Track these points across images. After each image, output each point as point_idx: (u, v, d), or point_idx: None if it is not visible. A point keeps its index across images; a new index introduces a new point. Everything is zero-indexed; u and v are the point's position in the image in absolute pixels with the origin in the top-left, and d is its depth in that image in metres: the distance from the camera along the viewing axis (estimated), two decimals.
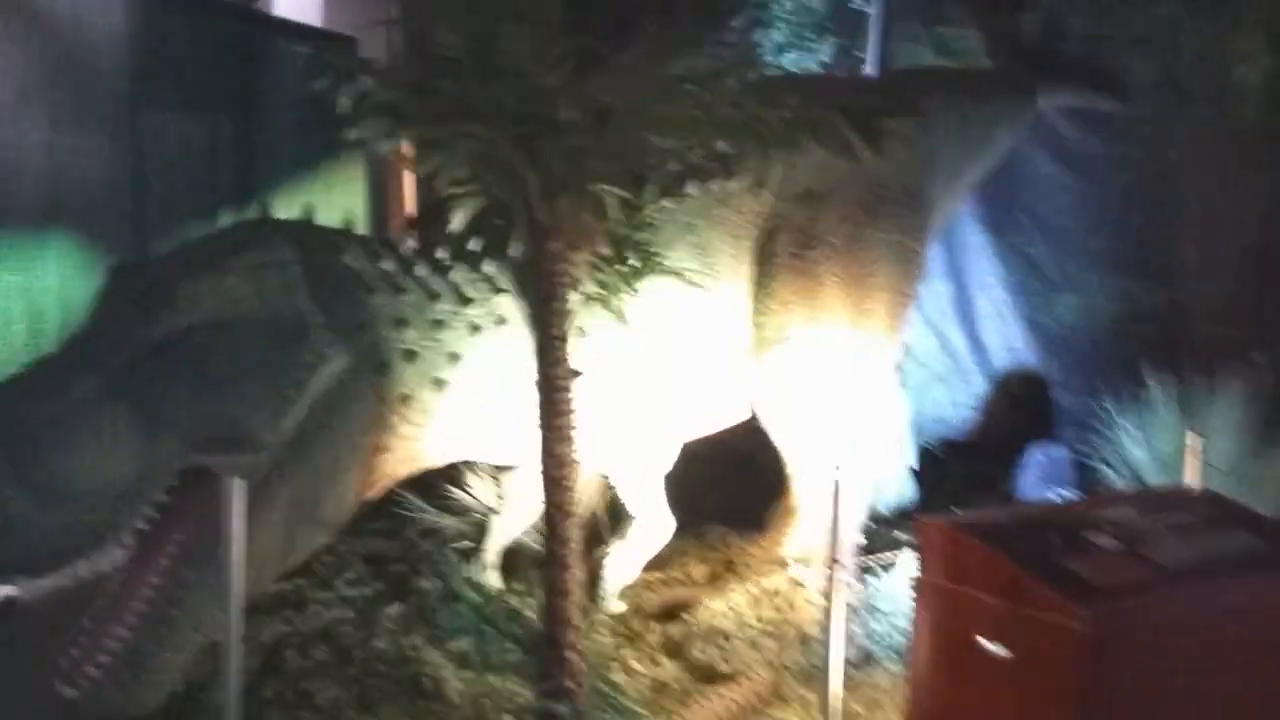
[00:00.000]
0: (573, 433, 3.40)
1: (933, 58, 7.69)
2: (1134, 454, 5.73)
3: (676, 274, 3.88)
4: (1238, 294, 7.33)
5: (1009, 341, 7.78)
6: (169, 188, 5.31)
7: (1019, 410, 7.71)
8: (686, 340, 4.21)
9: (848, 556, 4.43)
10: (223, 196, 5.54)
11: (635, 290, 3.74)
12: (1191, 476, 4.09)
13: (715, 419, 4.55)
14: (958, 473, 7.00)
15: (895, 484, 5.87)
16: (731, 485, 5.37)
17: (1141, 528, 3.44)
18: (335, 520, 3.51)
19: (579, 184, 3.20)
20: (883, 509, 5.82)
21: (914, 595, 3.42)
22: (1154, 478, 5.57)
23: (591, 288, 3.66)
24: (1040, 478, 6.31)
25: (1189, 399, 5.72)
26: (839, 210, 4.55)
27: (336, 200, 6.06)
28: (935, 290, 7.90)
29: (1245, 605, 3.31)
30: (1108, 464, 6.02)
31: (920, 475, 6.90)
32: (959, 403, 7.84)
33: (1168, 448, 5.57)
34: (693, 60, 3.20)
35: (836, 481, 3.42)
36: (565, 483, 3.41)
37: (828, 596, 3.54)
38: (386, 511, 4.76)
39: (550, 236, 3.29)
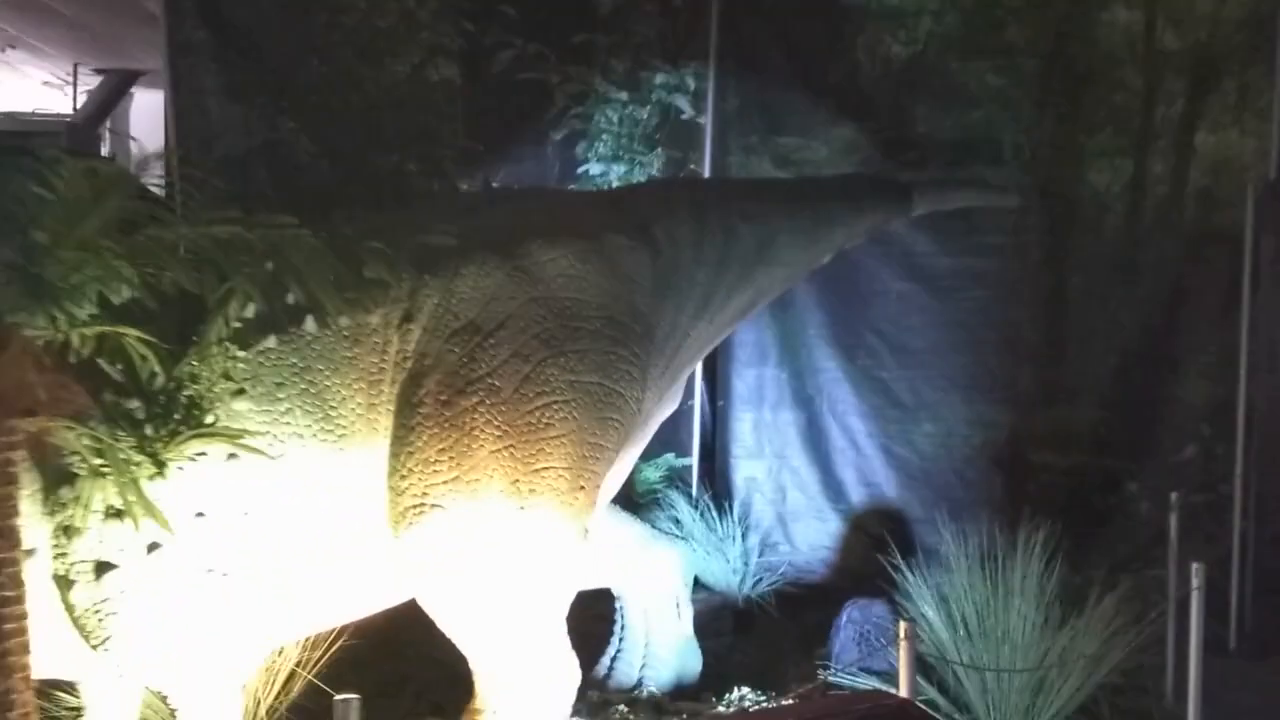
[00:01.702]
0: (17, 662, 2.64)
1: (771, 169, 7.16)
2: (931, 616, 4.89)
3: (231, 438, 3.15)
4: (1106, 419, 6.58)
5: (865, 475, 7.03)
6: None
7: (879, 551, 6.94)
8: (286, 518, 3.41)
9: None
10: None
11: (164, 462, 3.02)
12: (905, 674, 3.27)
13: (339, 611, 3.74)
14: (789, 630, 6.20)
15: (668, 659, 5.02)
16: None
17: None
18: None
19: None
20: (653, 690, 4.99)
21: None
22: (955, 650, 4.74)
23: (96, 462, 2.94)
24: (855, 638, 5.48)
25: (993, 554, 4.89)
26: (510, 347, 3.79)
27: None
28: (782, 419, 7.20)
29: None
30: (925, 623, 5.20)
31: (747, 631, 6.12)
32: (812, 544, 7.07)
33: (964, 610, 4.76)
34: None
35: None
36: None
37: None
38: None
39: None
